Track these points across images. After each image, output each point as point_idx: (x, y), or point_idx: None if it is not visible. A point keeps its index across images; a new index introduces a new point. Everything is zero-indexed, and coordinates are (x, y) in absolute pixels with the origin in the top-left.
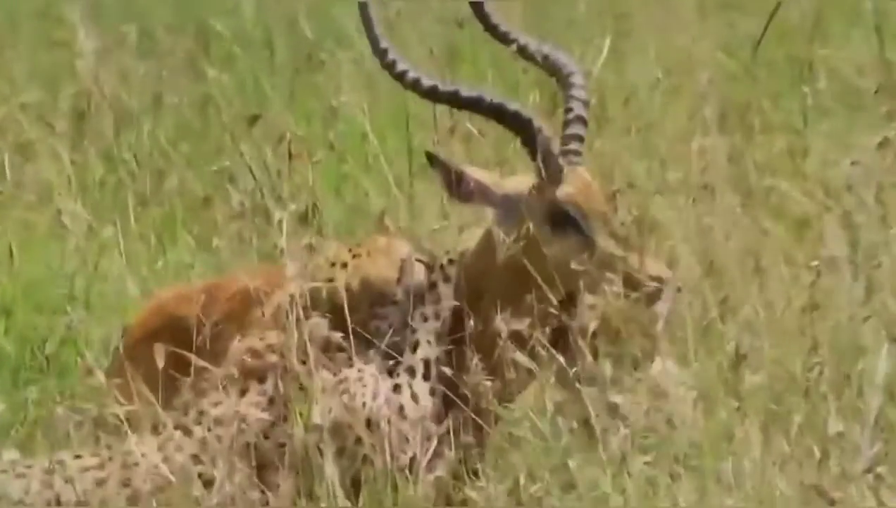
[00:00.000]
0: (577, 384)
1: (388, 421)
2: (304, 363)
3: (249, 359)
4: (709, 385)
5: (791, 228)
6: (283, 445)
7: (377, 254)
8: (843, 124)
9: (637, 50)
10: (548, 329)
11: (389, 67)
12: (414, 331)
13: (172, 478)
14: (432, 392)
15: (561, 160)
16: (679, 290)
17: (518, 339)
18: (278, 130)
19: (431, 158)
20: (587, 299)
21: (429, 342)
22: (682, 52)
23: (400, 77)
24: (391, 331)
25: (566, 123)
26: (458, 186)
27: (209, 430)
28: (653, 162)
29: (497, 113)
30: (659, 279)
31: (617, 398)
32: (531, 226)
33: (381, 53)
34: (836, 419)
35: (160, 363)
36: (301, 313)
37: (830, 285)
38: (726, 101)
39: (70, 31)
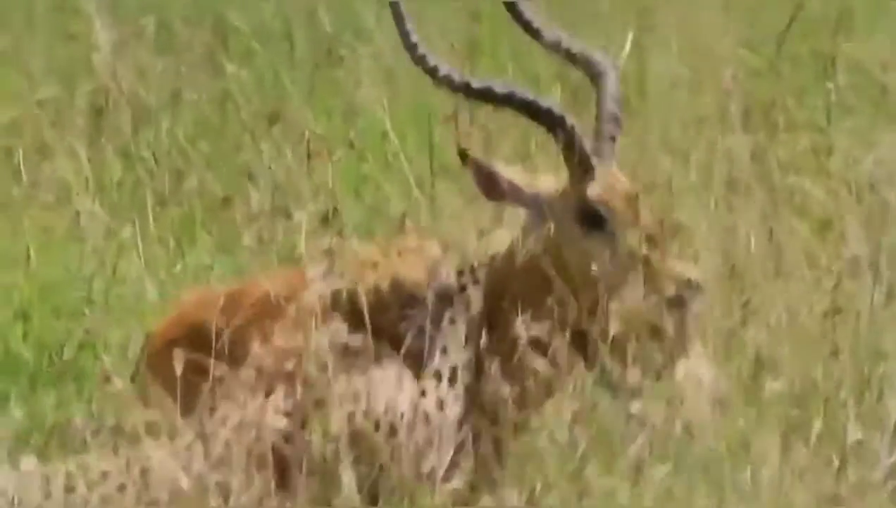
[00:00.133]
0: (598, 391)
1: (411, 428)
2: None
3: (270, 364)
4: (728, 392)
5: (814, 228)
6: (302, 451)
7: (408, 255)
8: (867, 121)
9: (660, 45)
10: (568, 335)
11: (421, 61)
12: (443, 335)
13: (188, 487)
14: (458, 399)
15: (593, 159)
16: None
17: (539, 346)
18: (298, 127)
19: (464, 157)
20: (611, 303)
21: (457, 346)
22: (705, 47)
23: (432, 72)
24: (420, 334)
25: (599, 122)
26: (490, 186)
27: (228, 437)
28: (676, 160)
29: (530, 109)
30: (687, 282)
31: (635, 406)
32: (561, 225)
33: (412, 48)
34: (855, 425)
35: (178, 370)
36: (321, 319)
37: (852, 288)
38: (750, 97)
39: (86, 24)
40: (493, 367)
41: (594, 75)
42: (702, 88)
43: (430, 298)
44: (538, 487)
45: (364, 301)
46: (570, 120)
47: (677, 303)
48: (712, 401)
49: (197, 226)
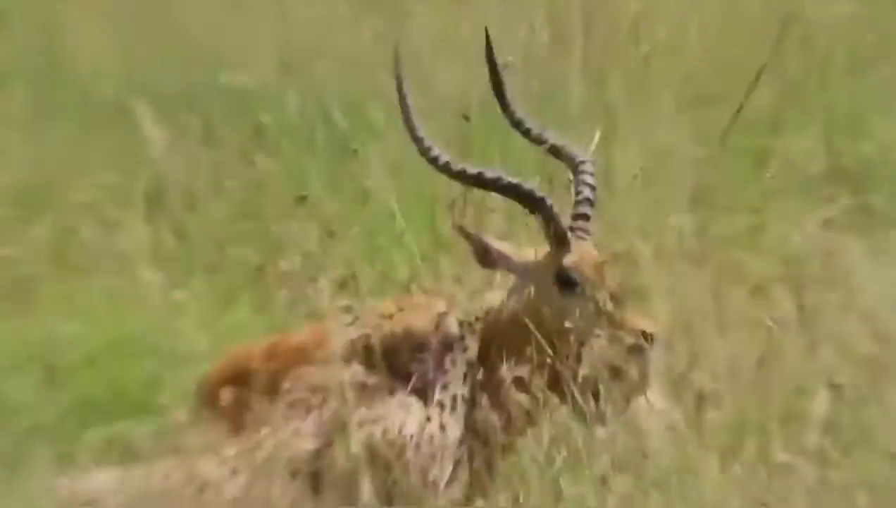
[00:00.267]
0: (570, 419)
1: (419, 446)
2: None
3: (302, 398)
4: (676, 422)
5: (750, 291)
6: (328, 466)
7: (418, 309)
8: (795, 205)
9: (622, 141)
10: (545, 375)
11: (425, 151)
12: (445, 373)
13: (235, 494)
14: (457, 424)
15: (570, 234)
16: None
17: (521, 384)
18: (320, 209)
19: (464, 233)
20: (581, 350)
21: (456, 382)
22: (659, 142)
23: (433, 161)
24: (427, 372)
25: (577, 204)
26: (484, 256)
27: (267, 455)
28: (636, 235)
29: (515, 192)
30: (644, 333)
31: (600, 432)
32: (540, 287)
33: (418, 141)
34: (782, 450)
35: (225, 403)
36: (342, 362)
37: (781, 340)
38: (697, 184)
39: (141, 124)
40: (484, 400)
41: (573, 165)
42: (657, 176)
43: (435, 344)
44: (521, 494)
45: (378, 347)
46: (549, 200)
47: (636, 350)
48: (665, 427)
49: (238, 289)
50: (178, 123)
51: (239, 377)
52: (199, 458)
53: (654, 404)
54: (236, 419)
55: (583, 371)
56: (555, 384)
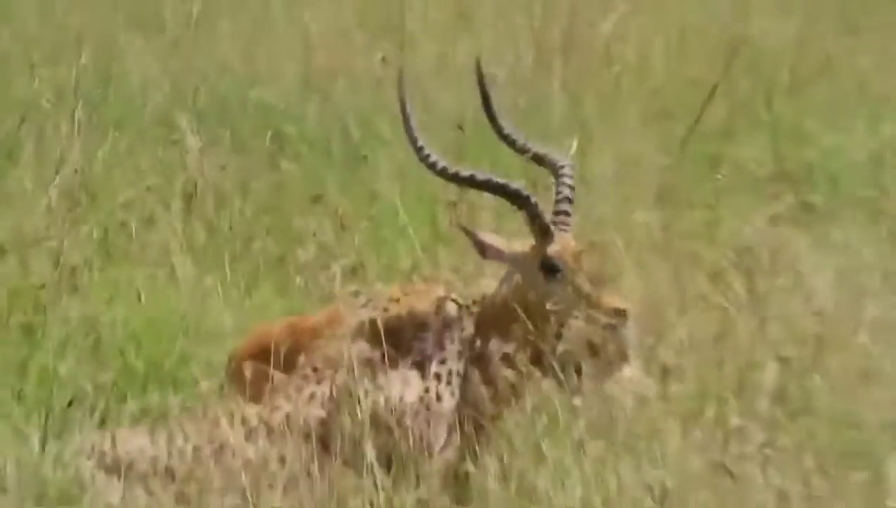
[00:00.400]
0: (550, 390)
1: (417, 414)
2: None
3: (315, 370)
4: (645, 390)
5: (707, 277)
6: (337, 431)
7: (421, 294)
8: (746, 203)
9: (596, 149)
10: (529, 352)
11: (424, 158)
12: (443, 350)
13: (253, 456)
14: (452, 395)
15: (552, 228)
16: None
17: (508, 360)
18: (334, 207)
19: (465, 231)
20: (562, 329)
21: (452, 358)
22: (628, 150)
23: (432, 166)
24: (426, 349)
25: (557, 201)
26: (480, 248)
27: (283, 421)
28: (609, 228)
29: (503, 191)
30: (618, 311)
31: (577, 401)
32: (527, 273)
33: (418, 148)
34: (737, 417)
35: (248, 376)
36: (351, 339)
37: (735, 319)
38: (660, 185)
39: (181, 134)
40: (476, 374)
41: (554, 169)
42: (627, 179)
43: (436, 324)
44: (506, 456)
45: (384, 327)
46: (534, 198)
47: (611, 327)
48: (634, 397)
49: (261, 276)
50: (212, 132)
51: (261, 353)
52: (221, 422)
53: (625, 375)
54: (258, 389)
55: (562, 348)
56: (538, 359)
